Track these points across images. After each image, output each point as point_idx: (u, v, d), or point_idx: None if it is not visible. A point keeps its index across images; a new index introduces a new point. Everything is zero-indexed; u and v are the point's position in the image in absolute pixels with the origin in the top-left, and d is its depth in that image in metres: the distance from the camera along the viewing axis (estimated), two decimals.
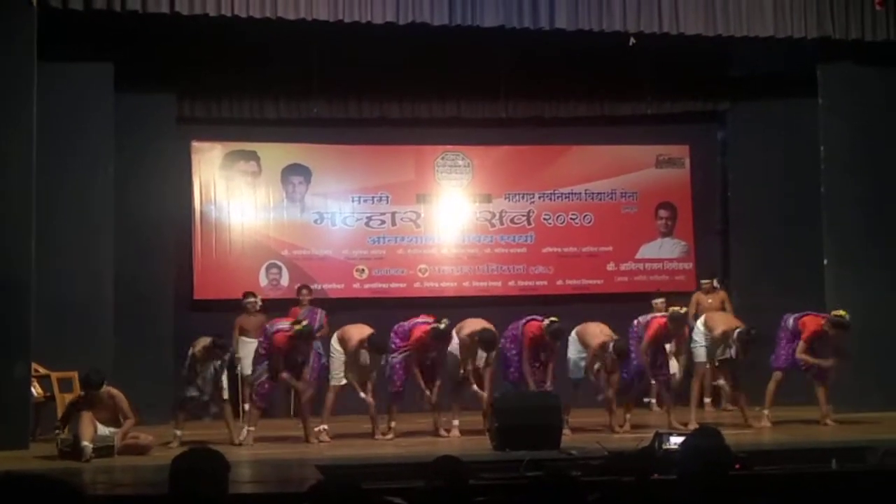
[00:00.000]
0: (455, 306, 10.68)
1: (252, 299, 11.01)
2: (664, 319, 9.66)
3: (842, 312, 9.53)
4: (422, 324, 9.41)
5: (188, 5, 9.32)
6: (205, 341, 9.07)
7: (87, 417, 8.25)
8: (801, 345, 9.58)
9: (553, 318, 9.46)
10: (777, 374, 9.70)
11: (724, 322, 9.97)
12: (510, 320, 9.84)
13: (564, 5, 9.94)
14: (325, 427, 9.22)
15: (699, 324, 10.09)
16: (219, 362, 9.05)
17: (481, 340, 9.41)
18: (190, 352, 9.13)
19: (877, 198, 10.93)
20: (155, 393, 10.07)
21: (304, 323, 9.43)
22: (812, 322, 9.59)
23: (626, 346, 9.38)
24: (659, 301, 10.99)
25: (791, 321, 9.75)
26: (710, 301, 11.55)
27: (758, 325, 9.78)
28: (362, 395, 9.26)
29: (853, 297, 10.47)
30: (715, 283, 11.75)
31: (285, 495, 5.69)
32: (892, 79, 11.05)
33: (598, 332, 9.52)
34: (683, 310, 9.92)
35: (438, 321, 9.35)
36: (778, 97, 11.97)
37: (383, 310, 11.00)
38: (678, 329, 9.70)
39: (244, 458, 8.03)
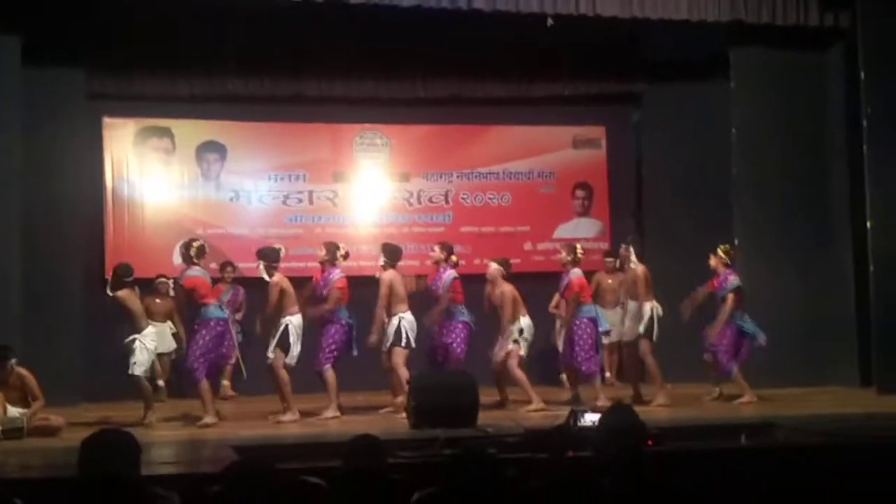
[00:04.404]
0: (372, 285, 10.63)
1: (163, 280, 10.82)
2: None
3: None
4: None
5: None
6: None
7: None
8: None
9: None
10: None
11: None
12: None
13: None
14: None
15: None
16: None
17: None
18: None
19: (785, 181, 11.17)
20: (63, 373, 9.86)
21: None
22: None
23: None
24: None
25: None
26: (609, 281, 11.65)
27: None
28: None
29: (762, 278, 10.74)
30: (617, 263, 11.35)
31: (200, 475, 5.62)
32: (800, 62, 11.30)
33: None
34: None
35: None
36: (692, 80, 12.15)
37: (299, 289, 10.90)
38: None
39: (158, 438, 7.89)
